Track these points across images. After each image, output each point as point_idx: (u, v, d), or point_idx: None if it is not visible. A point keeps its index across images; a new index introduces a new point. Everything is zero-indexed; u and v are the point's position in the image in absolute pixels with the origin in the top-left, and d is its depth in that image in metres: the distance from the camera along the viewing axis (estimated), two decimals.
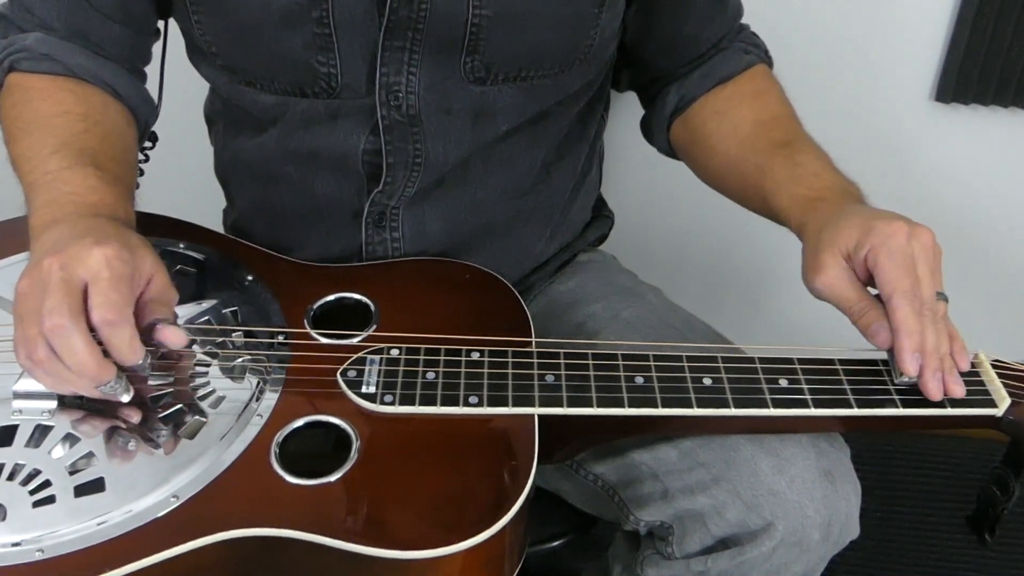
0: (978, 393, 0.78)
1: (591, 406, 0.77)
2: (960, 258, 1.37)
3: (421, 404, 0.77)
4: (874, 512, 1.58)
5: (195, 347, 0.81)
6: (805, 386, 0.78)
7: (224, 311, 0.86)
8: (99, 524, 0.69)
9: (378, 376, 0.79)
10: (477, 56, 0.86)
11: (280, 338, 0.83)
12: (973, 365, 0.80)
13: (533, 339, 0.84)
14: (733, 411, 0.77)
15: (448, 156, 0.91)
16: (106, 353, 0.70)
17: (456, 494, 0.73)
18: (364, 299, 0.88)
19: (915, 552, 1.55)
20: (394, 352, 0.81)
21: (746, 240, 1.51)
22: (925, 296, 0.74)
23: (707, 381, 0.79)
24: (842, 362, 0.80)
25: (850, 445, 0.86)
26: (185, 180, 1.21)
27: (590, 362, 0.80)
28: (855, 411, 0.77)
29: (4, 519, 0.70)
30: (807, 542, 0.82)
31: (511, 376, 0.79)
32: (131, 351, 0.71)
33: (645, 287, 1.05)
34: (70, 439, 0.75)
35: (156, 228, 0.90)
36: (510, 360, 0.80)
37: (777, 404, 0.77)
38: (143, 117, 0.94)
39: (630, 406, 0.77)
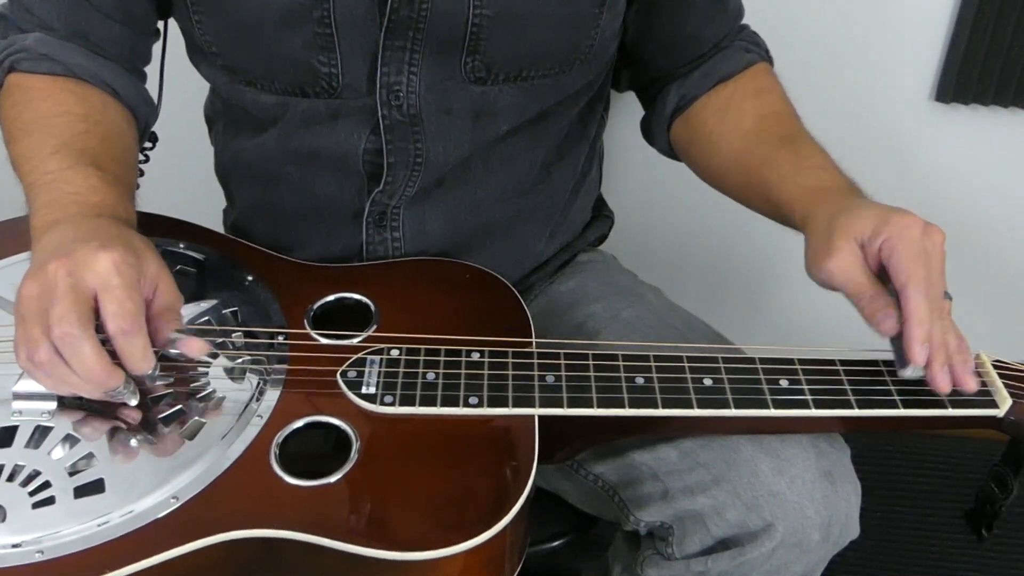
0: (979, 393, 0.78)
1: (591, 406, 0.77)
2: (960, 258, 1.36)
3: (421, 405, 0.77)
4: (874, 512, 1.58)
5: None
6: (805, 386, 0.78)
7: (224, 311, 0.86)
8: (99, 525, 0.69)
9: (378, 377, 0.79)
10: (478, 56, 0.86)
11: (280, 338, 0.83)
12: (975, 365, 0.79)
13: (533, 339, 0.84)
14: (733, 411, 0.77)
15: (448, 156, 0.91)
16: (113, 357, 0.70)
17: (456, 495, 0.73)
18: (364, 299, 0.88)
19: (915, 552, 1.55)
20: (394, 352, 0.81)
21: (746, 240, 1.51)
22: (937, 292, 0.74)
23: (707, 381, 0.79)
24: (843, 362, 0.80)
25: (850, 445, 0.86)
26: (185, 180, 1.21)
27: (590, 362, 0.80)
28: (856, 411, 0.77)
29: (4, 520, 0.69)
30: (807, 543, 0.82)
31: (511, 376, 0.79)
32: (144, 360, 0.71)
33: (645, 287, 1.05)
34: (70, 440, 0.75)
35: (156, 228, 0.90)
36: (510, 360, 0.80)
37: (777, 404, 0.77)
38: (143, 117, 0.94)
39: (630, 406, 0.77)
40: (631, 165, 1.40)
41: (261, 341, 0.83)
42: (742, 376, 0.79)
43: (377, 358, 0.81)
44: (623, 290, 1.03)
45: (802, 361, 0.80)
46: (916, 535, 1.58)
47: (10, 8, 0.91)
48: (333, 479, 0.73)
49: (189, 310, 0.85)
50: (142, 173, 1.00)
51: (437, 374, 0.79)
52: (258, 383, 0.80)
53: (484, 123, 0.91)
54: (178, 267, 0.89)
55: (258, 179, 0.99)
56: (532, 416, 0.77)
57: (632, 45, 0.97)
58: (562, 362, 0.80)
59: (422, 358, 0.81)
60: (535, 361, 0.81)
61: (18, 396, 0.76)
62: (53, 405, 0.76)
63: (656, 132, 1.02)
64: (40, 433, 0.75)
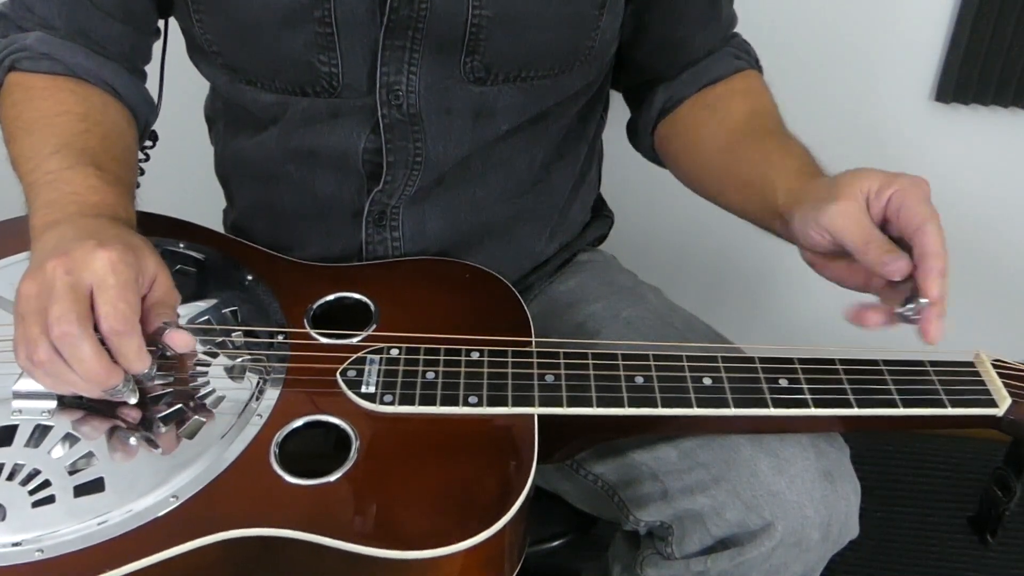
0: (979, 393, 0.78)
1: (591, 406, 0.77)
2: (960, 258, 1.37)
3: (421, 404, 0.77)
4: (874, 512, 1.58)
5: (195, 346, 0.81)
6: (805, 386, 0.78)
7: (224, 311, 0.86)
8: (99, 524, 0.69)
9: (378, 376, 0.79)
10: (477, 56, 0.86)
11: (280, 338, 0.83)
12: (974, 365, 0.79)
13: (533, 339, 0.84)
14: (733, 411, 0.77)
15: (448, 155, 0.91)
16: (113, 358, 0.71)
17: (455, 494, 0.73)
18: (364, 299, 0.88)
19: (915, 552, 1.55)
20: (394, 352, 0.81)
21: (746, 240, 1.50)
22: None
23: (707, 381, 0.79)
24: (842, 362, 0.80)
25: (850, 445, 0.86)
26: (185, 180, 1.21)
27: (590, 362, 0.80)
28: (855, 411, 0.77)
29: (4, 519, 0.70)
30: (806, 542, 0.82)
31: (511, 376, 0.79)
32: (139, 359, 0.71)
33: (645, 287, 1.05)
34: (70, 439, 0.75)
35: (156, 228, 0.90)
36: (510, 360, 0.80)
37: (777, 404, 0.77)
38: (143, 117, 0.94)
39: (630, 406, 0.77)
40: (631, 165, 1.40)
41: (261, 340, 0.83)
42: (742, 375, 0.79)
43: (377, 357, 0.81)
44: (623, 290, 1.03)
45: (802, 360, 0.80)
46: (916, 535, 1.58)
47: (11, 7, 0.91)
48: (333, 478, 0.73)
49: (189, 309, 0.85)
50: (142, 172, 1.00)
51: (437, 373, 0.79)
52: (258, 382, 0.80)
53: (484, 123, 0.91)
54: (178, 267, 0.89)
55: (258, 178, 0.99)
56: (532, 415, 0.77)
57: (623, 47, 0.97)
58: (561, 361, 0.80)
59: (422, 357, 0.81)
60: (535, 360, 0.81)
61: (18, 395, 0.76)
62: (53, 404, 0.76)
63: (641, 133, 1.02)
64: (40, 432, 0.75)
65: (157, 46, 0.97)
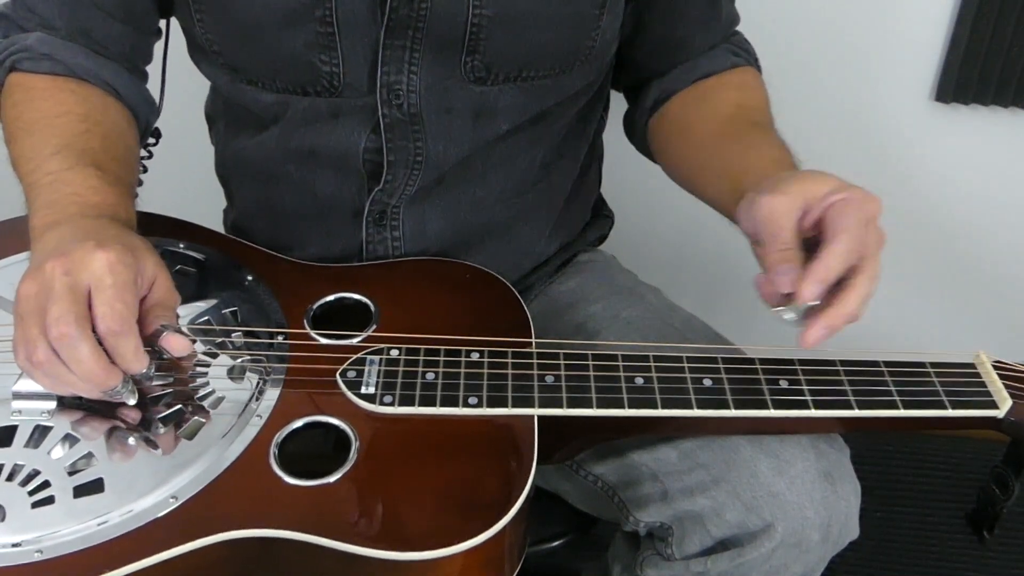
0: (979, 394, 0.78)
1: (591, 407, 0.77)
2: (960, 258, 1.37)
3: (420, 405, 0.77)
4: (874, 512, 1.58)
5: (195, 347, 0.81)
6: (805, 387, 0.78)
7: (224, 311, 0.86)
8: (98, 525, 0.69)
9: (377, 376, 0.79)
10: (477, 56, 0.86)
11: (280, 338, 0.83)
12: (974, 366, 0.79)
13: (533, 339, 0.84)
14: (733, 412, 0.77)
15: (449, 155, 0.91)
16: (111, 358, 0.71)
17: (455, 495, 0.73)
18: (364, 299, 0.88)
19: (915, 552, 1.55)
20: (394, 352, 0.81)
21: (746, 240, 1.50)
22: (871, 272, 0.71)
23: (707, 382, 0.79)
24: (842, 363, 0.80)
25: (850, 445, 0.86)
26: (185, 180, 1.21)
27: (590, 362, 0.80)
28: (856, 412, 0.77)
29: (3, 520, 0.69)
30: (807, 543, 0.82)
31: (511, 377, 0.79)
32: (136, 360, 0.71)
33: (645, 287, 1.05)
34: (69, 439, 0.75)
35: (156, 228, 0.90)
36: (510, 361, 0.80)
37: (777, 405, 0.77)
38: (144, 117, 0.94)
39: (630, 407, 0.77)
40: (631, 165, 1.40)
41: (261, 341, 0.83)
42: (742, 376, 0.79)
43: (377, 358, 0.81)
44: (623, 290, 1.03)
45: (802, 361, 0.80)
46: (916, 535, 1.58)
47: (12, 7, 0.91)
48: (332, 479, 0.73)
49: (189, 310, 0.85)
50: (145, 169, 1.00)
51: (436, 374, 0.79)
52: (257, 383, 0.80)
53: (484, 122, 0.91)
54: (178, 267, 0.89)
55: (258, 178, 0.99)
56: (531, 416, 0.77)
57: (623, 46, 0.97)
58: (561, 362, 0.80)
59: (422, 358, 0.81)
60: (534, 361, 0.81)
61: (18, 396, 0.76)
62: (53, 405, 0.76)
63: (635, 126, 1.02)
64: (40, 433, 0.75)
65: (158, 46, 0.97)
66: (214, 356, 0.81)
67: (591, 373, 0.79)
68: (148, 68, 0.97)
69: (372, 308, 0.87)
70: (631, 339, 0.91)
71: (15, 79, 0.88)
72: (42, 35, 0.89)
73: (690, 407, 0.77)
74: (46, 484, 0.72)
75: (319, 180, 0.94)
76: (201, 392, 0.79)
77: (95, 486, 0.72)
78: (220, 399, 0.78)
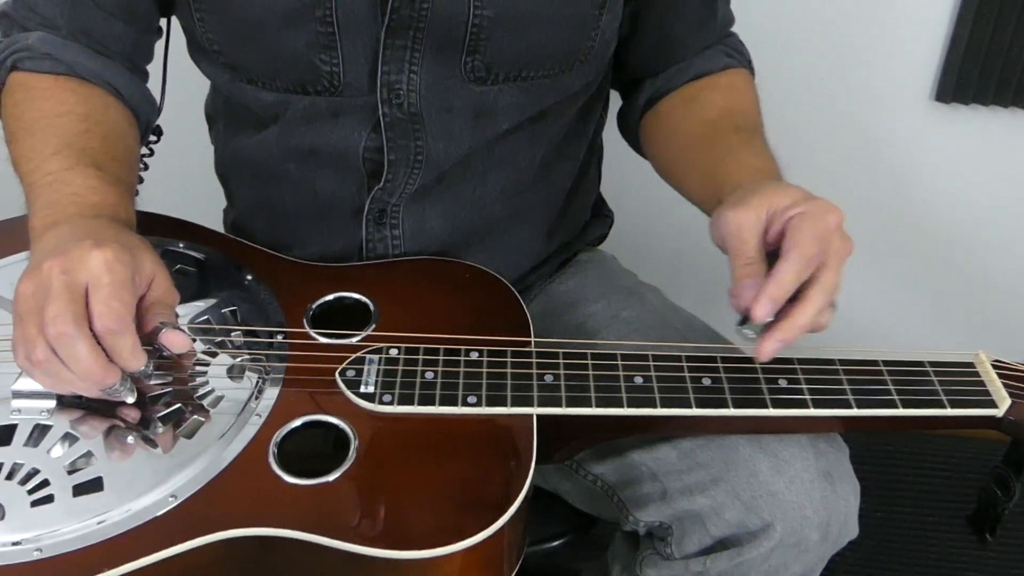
0: (978, 393, 0.78)
1: (590, 406, 0.77)
2: (960, 258, 1.37)
3: (420, 404, 0.77)
4: (874, 512, 1.58)
5: (195, 346, 0.81)
6: (805, 386, 0.78)
7: (223, 310, 0.86)
8: (98, 523, 0.69)
9: (377, 376, 0.79)
10: (478, 56, 0.86)
11: (279, 337, 0.83)
12: (973, 365, 0.79)
13: (532, 339, 0.84)
14: (732, 411, 0.77)
15: (449, 154, 0.92)
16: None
17: (454, 494, 0.73)
18: (363, 299, 0.88)
19: (915, 552, 1.55)
20: (393, 352, 0.81)
21: None
22: (829, 283, 0.72)
23: (706, 381, 0.79)
24: (842, 362, 0.80)
25: (850, 445, 0.86)
26: (185, 179, 1.21)
27: (589, 362, 0.80)
28: (855, 411, 0.77)
29: (3, 518, 0.70)
30: (806, 543, 0.82)
31: (510, 376, 0.79)
32: (133, 357, 0.71)
33: (645, 287, 1.05)
34: (69, 438, 0.75)
35: (156, 228, 0.90)
36: (509, 360, 0.80)
37: (777, 404, 0.77)
38: (144, 116, 0.94)
39: (629, 406, 0.77)
40: (631, 165, 1.40)
41: (260, 340, 0.83)
42: (741, 376, 0.79)
43: (376, 357, 0.81)
44: (623, 290, 1.03)
45: (801, 361, 0.80)
46: (916, 535, 1.58)
47: (13, 6, 0.91)
48: (331, 478, 0.73)
49: (189, 309, 0.85)
50: (146, 167, 1.00)
51: (436, 373, 0.79)
52: (257, 382, 0.80)
53: (484, 122, 0.91)
54: (178, 267, 0.89)
55: (258, 177, 0.99)
56: (531, 415, 0.77)
57: (619, 45, 0.97)
58: (561, 361, 0.80)
59: (421, 357, 0.81)
60: (534, 360, 0.81)
61: (17, 394, 0.76)
62: (52, 403, 0.76)
63: (628, 124, 1.02)
64: (39, 431, 0.75)
65: (159, 45, 0.97)
66: (214, 355, 0.82)
67: (590, 372, 0.79)
68: (149, 67, 0.97)
69: (371, 307, 0.87)
70: (630, 339, 0.91)
71: (16, 78, 0.88)
72: (43, 34, 0.89)
73: (689, 406, 0.77)
74: (45, 483, 0.72)
75: (319, 179, 0.94)
76: (200, 391, 0.79)
77: (94, 485, 0.72)
78: (219, 398, 0.78)
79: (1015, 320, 1.54)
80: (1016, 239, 1.48)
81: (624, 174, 1.31)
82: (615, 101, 1.06)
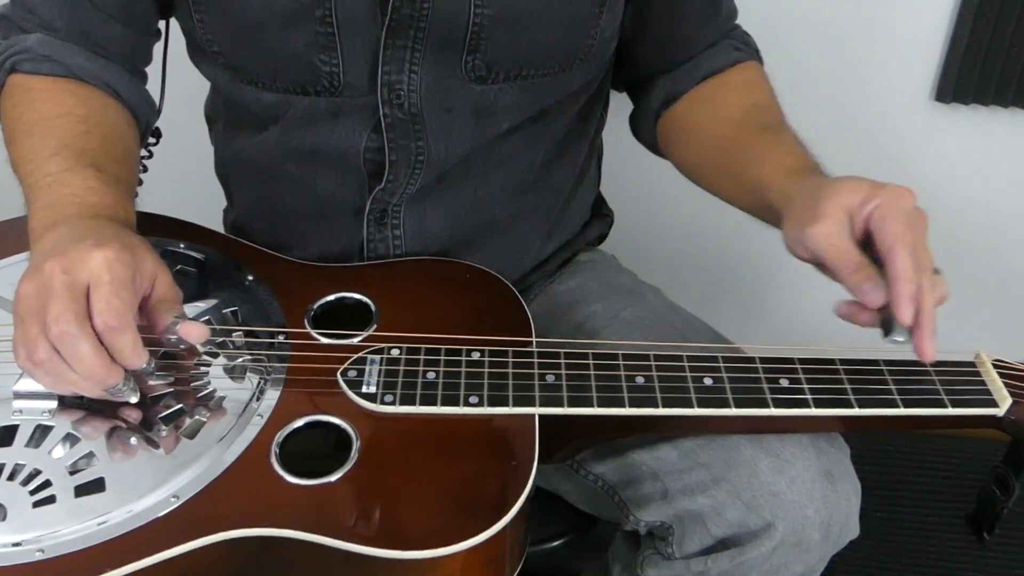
0: (979, 393, 0.78)
1: (591, 406, 0.77)
2: (960, 258, 1.37)
3: (421, 404, 0.77)
4: (874, 512, 1.58)
5: (196, 346, 0.81)
6: (806, 386, 0.78)
7: (224, 311, 0.86)
8: (99, 524, 0.69)
9: (378, 376, 0.79)
10: (478, 55, 0.86)
11: (280, 338, 0.83)
12: (974, 365, 0.79)
13: (533, 339, 0.84)
14: (734, 411, 0.77)
15: (450, 154, 0.92)
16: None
17: (456, 494, 0.73)
18: (364, 299, 0.88)
19: (915, 552, 1.55)
20: (394, 352, 0.81)
21: (746, 240, 1.51)
22: (925, 263, 0.72)
23: (708, 381, 0.79)
24: (843, 362, 0.80)
25: (850, 445, 0.86)
26: (185, 180, 1.21)
27: (590, 362, 0.80)
28: (856, 411, 0.77)
29: (4, 519, 0.70)
30: (807, 542, 0.82)
31: (511, 376, 0.79)
32: (134, 355, 0.71)
33: (645, 287, 1.05)
34: (70, 439, 0.75)
35: (156, 228, 0.90)
36: (510, 360, 0.80)
37: (778, 404, 0.77)
38: (144, 118, 0.94)
39: (631, 406, 0.77)
40: (631, 165, 1.40)
41: (261, 340, 0.83)
42: (742, 375, 0.79)
43: (377, 357, 0.81)
44: (623, 290, 1.03)
45: (802, 360, 0.80)
46: (916, 535, 1.58)
47: (12, 8, 0.91)
48: (333, 478, 0.73)
49: (189, 310, 0.85)
50: (145, 169, 1.00)
51: (437, 373, 0.79)
52: (258, 382, 0.80)
53: (485, 121, 0.91)
54: (178, 267, 0.89)
55: (259, 177, 0.99)
56: (532, 415, 0.77)
57: (624, 45, 0.97)
58: (562, 361, 0.80)
59: (422, 357, 0.81)
60: (535, 360, 0.81)
61: (18, 395, 0.76)
62: (53, 404, 0.76)
63: (643, 127, 1.02)
64: (41, 432, 0.75)
65: (158, 47, 0.97)
66: (215, 356, 0.81)
67: (592, 372, 0.79)
68: (148, 69, 0.97)
69: (373, 308, 0.87)
70: (631, 338, 0.91)
71: (15, 80, 0.88)
72: (42, 36, 0.89)
73: (690, 406, 0.77)
74: (47, 483, 0.72)
75: (320, 179, 0.94)
76: (202, 392, 0.79)
77: (96, 485, 0.72)
78: (221, 399, 0.78)
79: (1015, 320, 1.54)
80: (1016, 239, 1.48)
81: (624, 174, 1.31)
82: (616, 102, 1.06)
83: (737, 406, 0.77)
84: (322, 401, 0.78)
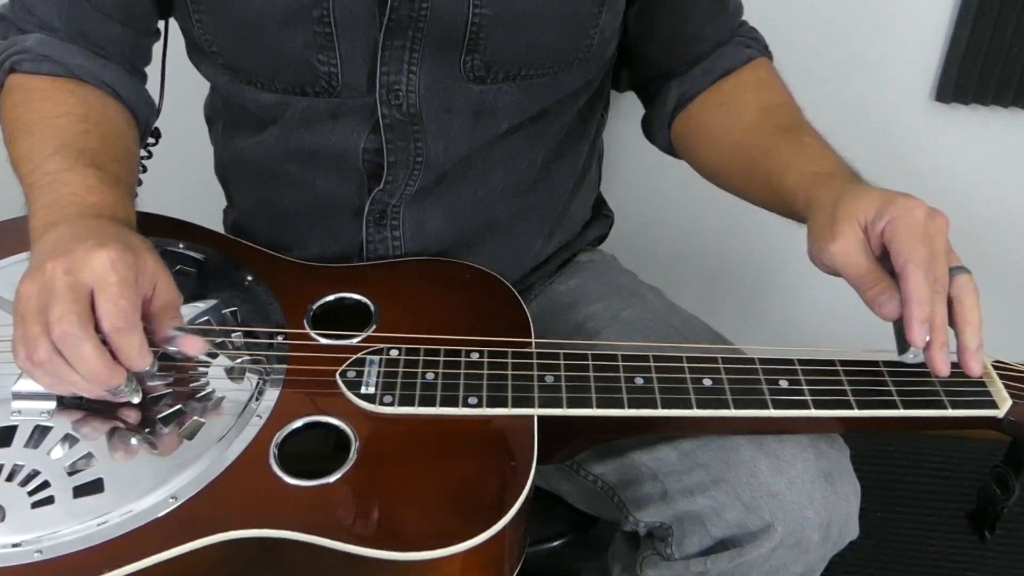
0: (979, 394, 0.78)
1: (591, 407, 0.77)
2: (960, 258, 1.37)
3: (420, 405, 0.77)
4: (874, 512, 1.58)
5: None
6: (805, 387, 0.78)
7: (224, 311, 0.86)
8: (98, 525, 0.69)
9: (377, 377, 0.79)
10: (477, 55, 0.86)
11: (279, 338, 0.83)
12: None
13: (533, 339, 0.84)
14: (733, 412, 0.77)
15: (449, 154, 0.91)
16: (114, 356, 0.70)
17: (455, 495, 0.73)
18: (364, 299, 0.88)
19: (915, 552, 1.55)
20: (393, 352, 0.81)
21: (746, 240, 1.51)
22: (939, 273, 0.73)
23: (707, 382, 0.79)
24: (842, 363, 0.80)
25: (850, 445, 0.86)
26: (185, 180, 1.21)
27: (590, 363, 0.80)
28: (856, 412, 0.77)
29: (3, 520, 0.69)
30: (806, 543, 0.82)
31: (510, 377, 0.79)
32: (141, 357, 0.71)
33: (645, 287, 1.05)
34: (69, 440, 0.75)
35: (156, 228, 0.90)
36: (509, 361, 0.80)
37: (777, 405, 0.77)
38: (143, 118, 0.94)
39: (630, 407, 0.77)
40: (631, 165, 1.40)
41: (260, 341, 0.83)
42: (742, 376, 0.79)
43: (376, 358, 0.81)
44: (623, 290, 1.03)
45: (802, 361, 0.80)
46: (916, 535, 1.58)
47: (10, 9, 0.91)
48: (332, 479, 0.73)
49: (189, 310, 0.85)
50: (144, 169, 1.00)
51: (436, 374, 0.79)
52: (257, 383, 0.80)
53: (484, 121, 0.91)
54: (178, 267, 0.89)
55: (258, 178, 0.99)
56: (531, 416, 0.77)
57: (632, 44, 0.97)
58: (561, 362, 0.80)
59: (421, 358, 0.80)
60: (534, 361, 0.80)
61: (17, 396, 0.76)
62: (52, 405, 0.76)
63: (657, 130, 1.02)
64: (39, 433, 0.75)
65: (157, 47, 0.97)
66: (214, 356, 0.81)
67: (591, 373, 0.79)
68: (148, 68, 0.97)
69: (372, 308, 0.87)
70: (631, 339, 0.91)
71: (14, 80, 0.88)
72: (41, 36, 0.89)
73: (690, 407, 0.77)
74: (46, 484, 0.72)
75: (319, 180, 0.94)
76: (201, 392, 0.79)
77: (95, 486, 0.72)
78: (220, 399, 0.78)
79: (1015, 320, 1.54)
80: (1016, 239, 1.48)
81: (624, 174, 1.32)
82: (616, 101, 1.06)
83: (736, 407, 0.77)
84: (321, 402, 0.78)
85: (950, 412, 0.77)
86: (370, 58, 0.86)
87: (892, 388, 0.78)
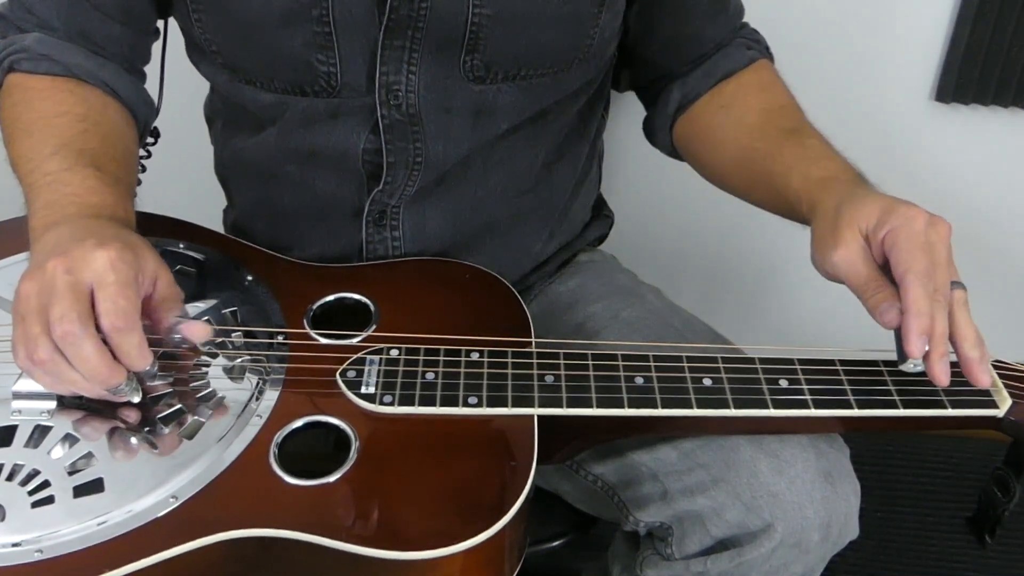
0: (979, 394, 0.78)
1: (591, 407, 0.77)
2: (959, 258, 1.37)
3: (420, 404, 0.77)
4: (874, 512, 1.58)
5: (196, 346, 0.81)
6: (805, 387, 0.78)
7: (224, 311, 0.86)
8: (98, 524, 0.69)
9: (377, 376, 0.79)
10: (477, 55, 0.86)
11: (279, 338, 0.83)
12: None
13: (533, 339, 0.84)
14: (733, 412, 0.77)
15: (448, 155, 0.91)
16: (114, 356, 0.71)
17: (455, 494, 0.73)
18: (364, 299, 0.88)
19: (915, 552, 1.55)
20: (393, 352, 0.81)
21: (746, 240, 1.50)
22: (940, 282, 0.73)
23: (707, 381, 0.79)
24: (842, 362, 0.80)
25: (850, 445, 0.86)
26: (185, 180, 1.21)
27: (590, 362, 0.80)
28: (856, 412, 0.77)
29: (3, 519, 0.69)
30: (806, 543, 0.82)
31: (510, 376, 0.79)
32: (140, 356, 0.71)
33: (645, 287, 1.05)
34: (69, 439, 0.75)
35: (156, 228, 0.90)
36: (509, 360, 0.80)
37: (777, 405, 0.77)
38: (142, 117, 0.94)
39: (630, 407, 0.77)
40: (631, 165, 1.40)
41: (260, 341, 0.83)
42: (742, 376, 0.79)
43: (376, 358, 0.81)
44: (623, 290, 1.03)
45: (802, 361, 0.80)
46: (916, 535, 1.58)
47: (10, 8, 0.91)
48: (332, 479, 0.73)
49: (189, 310, 0.85)
50: (144, 169, 1.00)
51: (436, 374, 0.79)
52: (257, 383, 0.80)
53: (484, 122, 0.91)
54: (178, 267, 0.89)
55: (258, 178, 0.99)
56: (531, 416, 0.77)
57: (633, 45, 0.97)
58: (561, 362, 0.80)
59: (421, 358, 0.80)
60: (534, 361, 0.80)
61: (18, 395, 0.76)
62: (53, 404, 0.76)
63: (658, 132, 1.02)
64: (40, 432, 0.75)
65: (156, 46, 0.97)
66: (214, 356, 0.81)
67: (591, 373, 0.79)
68: (147, 68, 0.97)
69: (372, 308, 0.87)
70: (631, 339, 0.91)
71: (14, 80, 0.88)
72: (40, 36, 0.89)
73: (690, 407, 0.77)
74: (46, 484, 0.72)
75: (319, 180, 0.94)
76: (201, 392, 0.79)
77: (95, 486, 0.72)
78: (220, 399, 0.78)
79: (1015, 320, 1.54)
80: (1016, 239, 1.48)
81: (624, 174, 1.32)
82: (616, 102, 1.06)
83: (736, 407, 0.77)
84: (321, 401, 0.78)
85: (950, 412, 0.77)
86: (369, 58, 0.86)
87: (892, 388, 0.78)
